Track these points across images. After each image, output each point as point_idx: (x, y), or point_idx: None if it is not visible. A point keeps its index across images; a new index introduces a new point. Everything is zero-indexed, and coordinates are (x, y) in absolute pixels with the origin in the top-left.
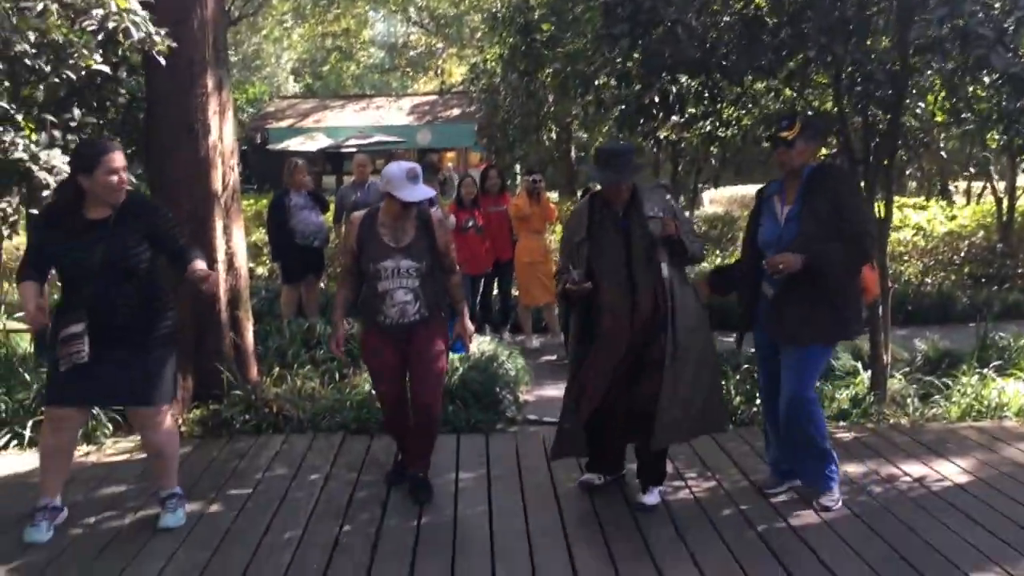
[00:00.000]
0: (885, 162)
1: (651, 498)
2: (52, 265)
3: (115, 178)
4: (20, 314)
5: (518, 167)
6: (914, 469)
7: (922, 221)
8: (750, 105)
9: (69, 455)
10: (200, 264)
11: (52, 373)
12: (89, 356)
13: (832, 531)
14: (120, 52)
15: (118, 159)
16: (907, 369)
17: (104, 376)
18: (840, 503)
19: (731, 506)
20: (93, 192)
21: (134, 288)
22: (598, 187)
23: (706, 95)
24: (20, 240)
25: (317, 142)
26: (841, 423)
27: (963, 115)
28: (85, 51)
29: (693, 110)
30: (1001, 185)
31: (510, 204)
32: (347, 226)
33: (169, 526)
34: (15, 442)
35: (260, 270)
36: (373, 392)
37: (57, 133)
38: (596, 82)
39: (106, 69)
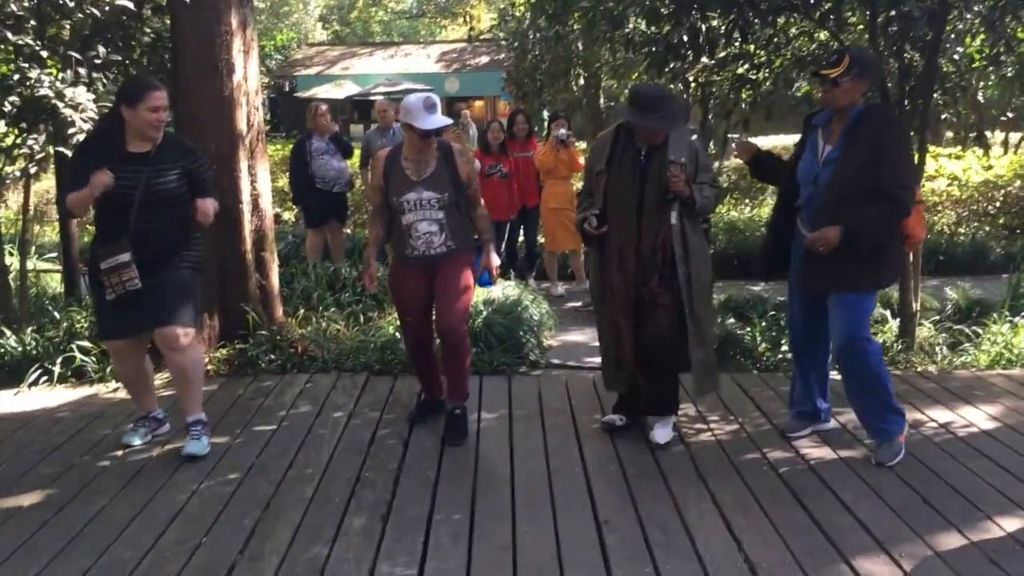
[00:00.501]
0: (920, 105)
1: (660, 433)
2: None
3: (155, 116)
4: (51, 254)
5: (545, 113)
6: (940, 415)
7: (957, 171)
8: (782, 47)
9: (147, 375)
10: (210, 201)
11: (99, 307)
12: (140, 281)
13: (854, 474)
14: None
15: (161, 98)
16: (937, 318)
17: (143, 303)
18: (898, 459)
19: (753, 449)
20: (133, 125)
21: (171, 219)
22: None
23: (736, 35)
24: (49, 183)
25: (345, 89)
26: None
27: (1002, 58)
28: None
29: (724, 53)
30: None
31: (536, 154)
32: (373, 163)
33: (193, 453)
34: (45, 378)
35: (287, 215)
36: (398, 335)
37: (82, 71)
38: (625, 21)
39: (130, 5)
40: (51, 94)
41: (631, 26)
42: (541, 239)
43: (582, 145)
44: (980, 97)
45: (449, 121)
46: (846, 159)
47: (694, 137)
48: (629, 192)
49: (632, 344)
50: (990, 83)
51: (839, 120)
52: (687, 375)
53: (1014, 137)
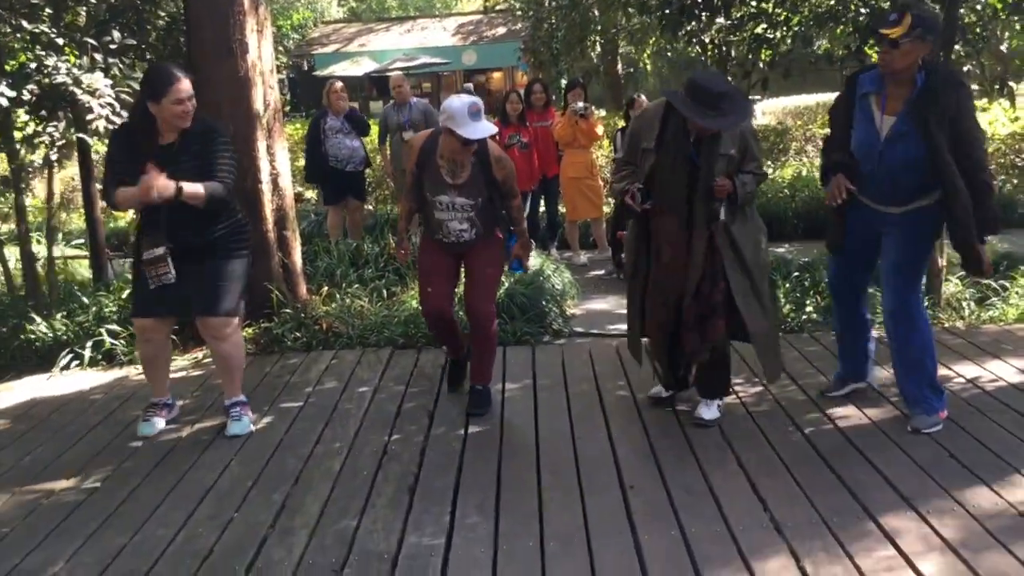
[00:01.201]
0: (942, 57)
1: (708, 411)
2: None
3: (181, 107)
4: (78, 241)
5: (563, 81)
6: (968, 370)
7: (984, 123)
8: (799, 4)
9: (165, 360)
10: (192, 186)
11: (137, 288)
12: (175, 276)
13: (881, 432)
14: None
15: (185, 88)
16: (963, 273)
17: (181, 289)
18: (935, 429)
19: (778, 410)
20: (162, 118)
21: (204, 208)
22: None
23: None
24: (73, 170)
25: (362, 66)
26: None
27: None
28: None
29: (740, 13)
30: None
31: (554, 125)
32: (407, 148)
33: (236, 433)
34: (76, 362)
35: (310, 194)
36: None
37: (98, 56)
38: None
39: None
40: (69, 81)
41: None
42: (562, 208)
43: (601, 112)
44: (1004, 48)
45: (494, 129)
46: (920, 135)
47: (746, 124)
48: (679, 181)
49: (667, 339)
50: (1015, 32)
51: (898, 86)
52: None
53: None
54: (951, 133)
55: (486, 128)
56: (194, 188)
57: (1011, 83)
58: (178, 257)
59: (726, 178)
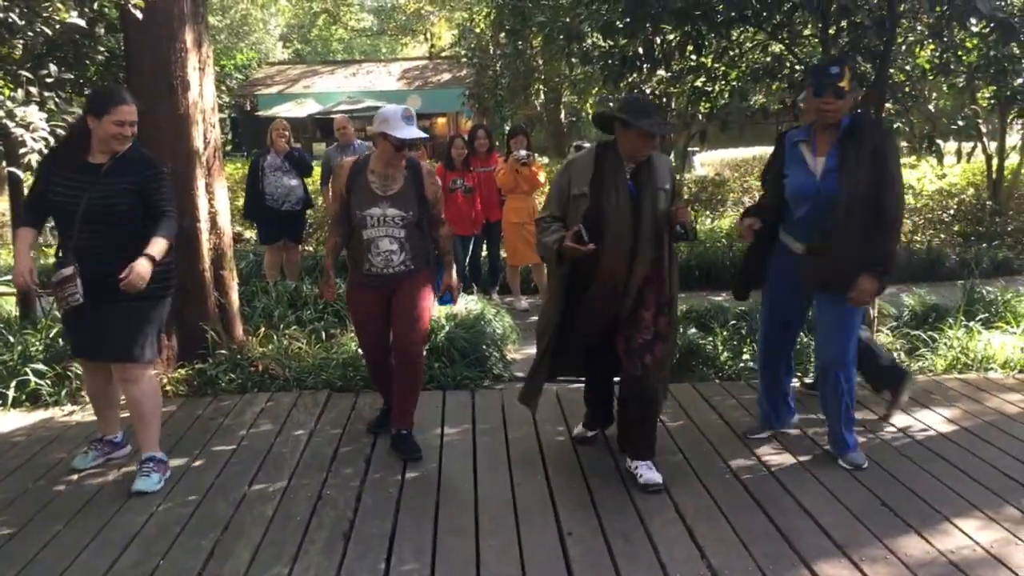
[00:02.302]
0: (872, 115)
1: (653, 473)
2: (50, 208)
3: (119, 129)
4: (5, 277)
5: (507, 127)
6: (898, 419)
7: (912, 180)
8: (737, 59)
9: (112, 399)
10: (156, 247)
11: (63, 323)
12: (83, 298)
13: (814, 479)
14: (96, 6)
15: (129, 112)
16: (894, 324)
17: (93, 328)
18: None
19: (715, 457)
20: (97, 136)
21: (117, 237)
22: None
23: (691, 48)
24: (2, 205)
25: (306, 108)
26: None
27: (951, 66)
28: (60, 4)
29: (679, 66)
30: (992, 145)
31: (496, 172)
32: (336, 171)
33: (141, 490)
34: (0, 402)
35: (249, 234)
36: (360, 351)
37: (34, 90)
38: (581, 35)
39: (82, 24)
40: (2, 114)
41: (589, 41)
42: (504, 253)
43: (544, 160)
44: (932, 107)
45: (425, 135)
46: (849, 167)
47: (672, 166)
48: (622, 216)
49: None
50: (943, 92)
51: (826, 131)
52: None
53: (967, 146)
54: (873, 171)
55: (417, 132)
56: (157, 247)
57: (939, 141)
58: (91, 289)
59: (685, 209)
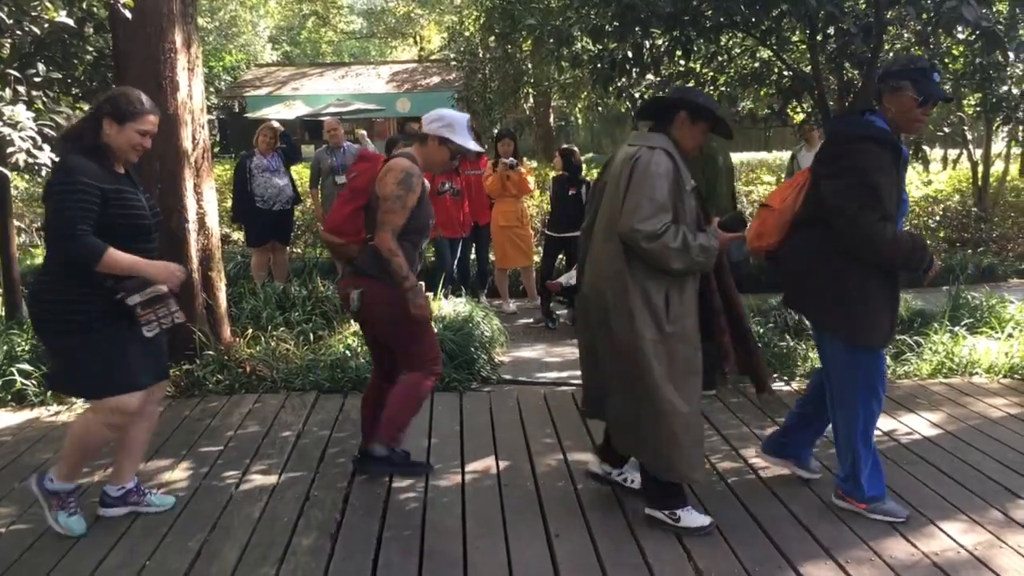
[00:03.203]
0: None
1: (652, 511)
2: (117, 224)
3: (142, 139)
4: None
5: (495, 130)
6: (883, 423)
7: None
8: (726, 65)
9: (153, 421)
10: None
11: (116, 355)
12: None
13: (801, 482)
14: (85, 5)
15: (153, 123)
16: None
17: (163, 344)
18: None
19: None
20: (115, 144)
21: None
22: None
23: (679, 53)
24: None
25: (295, 110)
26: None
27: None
28: (49, 3)
29: (668, 71)
30: (978, 152)
31: (484, 180)
32: (416, 181)
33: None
34: None
35: (237, 235)
36: (348, 353)
37: (22, 89)
38: (571, 39)
39: (71, 23)
40: None
41: (579, 45)
42: (492, 256)
43: (532, 164)
44: None
45: (483, 149)
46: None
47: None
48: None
49: None
50: None
51: None
52: None
53: (953, 153)
54: None
55: (477, 145)
56: None
57: (925, 148)
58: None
59: None
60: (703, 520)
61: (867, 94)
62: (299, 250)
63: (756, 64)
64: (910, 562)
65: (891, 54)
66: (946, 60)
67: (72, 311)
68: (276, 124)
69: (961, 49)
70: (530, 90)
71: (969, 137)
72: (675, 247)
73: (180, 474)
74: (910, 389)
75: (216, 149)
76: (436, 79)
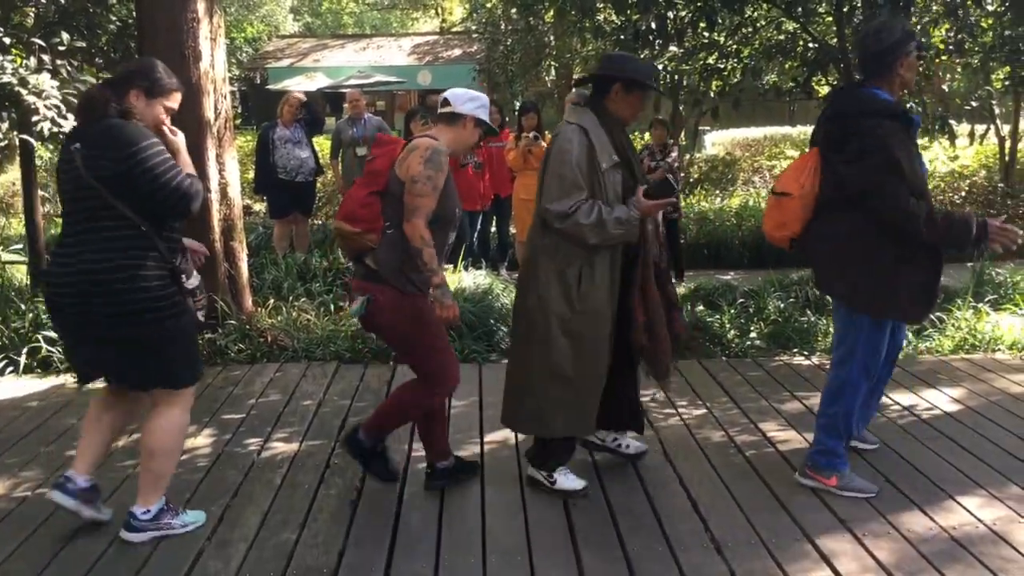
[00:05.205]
0: None
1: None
2: None
3: (168, 116)
4: (16, 246)
5: (517, 103)
6: (904, 398)
7: (924, 161)
8: (750, 36)
9: None
10: None
11: (194, 339)
12: None
13: None
14: None
15: (179, 101)
16: None
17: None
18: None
19: (720, 432)
20: (144, 117)
21: None
22: None
23: (703, 24)
24: (14, 174)
25: (316, 82)
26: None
27: (965, 46)
28: None
29: (692, 43)
30: (1005, 127)
31: (506, 153)
32: (444, 161)
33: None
34: (11, 368)
35: (258, 206)
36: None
37: (46, 58)
38: (594, 10)
39: None
40: (14, 81)
41: (602, 16)
42: (513, 229)
43: None
44: (945, 87)
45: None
46: None
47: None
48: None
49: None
50: (956, 73)
51: None
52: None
53: (980, 128)
54: None
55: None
56: None
57: (951, 122)
58: None
59: None
60: (578, 483)
61: None
62: (320, 221)
63: (781, 36)
64: (927, 536)
65: (919, 27)
66: (975, 33)
67: (159, 296)
68: (300, 95)
69: (990, 22)
70: (552, 63)
71: (997, 112)
72: (588, 223)
73: (203, 440)
74: (931, 365)
75: (238, 121)
76: (458, 51)
